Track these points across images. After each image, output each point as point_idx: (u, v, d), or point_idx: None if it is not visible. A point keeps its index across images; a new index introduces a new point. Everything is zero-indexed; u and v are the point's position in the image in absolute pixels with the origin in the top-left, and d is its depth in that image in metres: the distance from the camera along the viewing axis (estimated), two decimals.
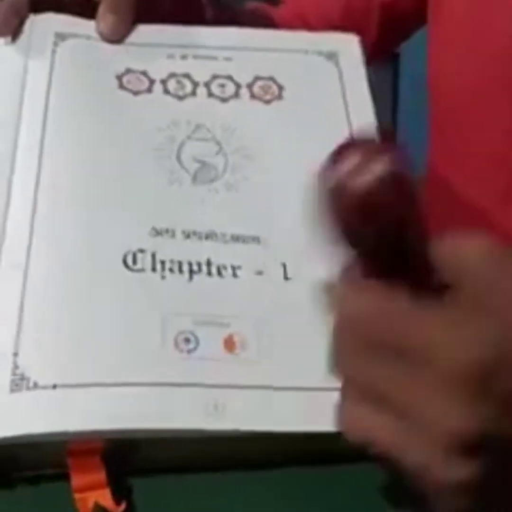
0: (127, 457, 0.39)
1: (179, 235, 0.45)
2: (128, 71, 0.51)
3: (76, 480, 0.37)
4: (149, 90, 0.51)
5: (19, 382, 0.38)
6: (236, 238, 0.45)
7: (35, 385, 0.38)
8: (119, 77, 0.51)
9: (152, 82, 0.51)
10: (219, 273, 0.43)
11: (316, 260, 0.43)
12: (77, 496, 0.37)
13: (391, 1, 0.69)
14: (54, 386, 0.38)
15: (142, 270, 0.43)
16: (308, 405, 0.39)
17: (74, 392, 0.38)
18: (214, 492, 0.39)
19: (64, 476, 0.38)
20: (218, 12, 0.60)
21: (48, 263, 0.42)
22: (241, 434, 0.38)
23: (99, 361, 0.39)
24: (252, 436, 0.38)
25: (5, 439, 0.37)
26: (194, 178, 0.47)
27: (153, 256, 0.43)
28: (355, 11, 0.70)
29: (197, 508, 0.39)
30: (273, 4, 0.74)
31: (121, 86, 0.50)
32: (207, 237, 0.45)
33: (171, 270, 0.43)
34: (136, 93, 0.50)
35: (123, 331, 0.40)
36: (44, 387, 0.38)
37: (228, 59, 0.51)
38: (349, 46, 0.54)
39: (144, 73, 0.51)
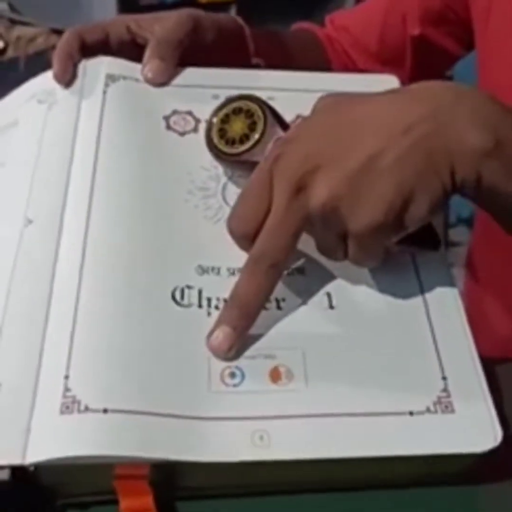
0: (175, 482, 0.41)
1: (224, 272, 0.47)
2: (175, 112, 0.54)
3: (124, 503, 0.39)
4: (195, 130, 0.54)
5: (70, 405, 0.40)
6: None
7: (86, 409, 0.40)
8: (166, 118, 0.54)
9: (197, 121, 0.54)
10: (264, 306, 0.45)
11: (359, 287, 0.47)
12: None
13: (420, 34, 0.72)
14: (105, 411, 0.40)
15: (189, 306, 0.45)
16: (355, 430, 0.41)
17: (124, 418, 0.40)
18: None
19: (113, 502, 0.40)
20: (264, 41, 0.63)
21: (100, 292, 0.45)
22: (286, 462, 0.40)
23: (149, 390, 0.41)
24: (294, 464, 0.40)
25: (53, 460, 0.38)
26: None
27: (200, 292, 0.46)
28: (390, 42, 0.74)
29: None
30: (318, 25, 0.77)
31: (168, 127, 0.53)
32: None
33: (216, 307, 0.45)
34: (182, 133, 0.53)
35: (171, 364, 0.43)
36: (95, 411, 0.40)
37: (270, 98, 0.53)
38: (388, 86, 0.55)
39: (189, 113, 0.54)
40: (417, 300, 0.47)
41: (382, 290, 0.47)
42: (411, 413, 0.42)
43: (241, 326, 0.44)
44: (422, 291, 0.47)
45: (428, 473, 0.42)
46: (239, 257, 0.46)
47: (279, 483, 0.42)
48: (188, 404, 0.41)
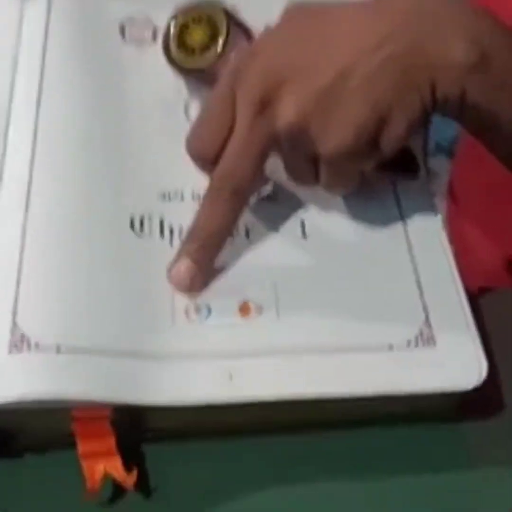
0: (140, 424, 0.38)
1: (188, 196, 0.43)
2: (130, 19, 0.50)
3: (83, 446, 0.36)
4: (154, 38, 0.49)
5: (19, 343, 0.36)
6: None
7: (37, 346, 0.36)
8: (121, 26, 0.49)
9: (155, 29, 0.50)
10: (230, 235, 0.42)
11: (335, 216, 0.44)
12: (84, 463, 0.36)
13: None
14: (58, 349, 0.36)
15: (150, 236, 0.42)
16: (329, 367, 0.38)
17: (79, 356, 0.37)
18: (229, 458, 0.39)
19: (73, 445, 0.37)
20: None
21: (48, 221, 0.41)
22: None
23: (106, 326, 0.38)
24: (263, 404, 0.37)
25: (4, 404, 0.35)
26: None
27: (161, 221, 0.42)
28: None
29: (213, 476, 0.38)
30: None
31: (123, 36, 0.49)
32: None
33: (180, 237, 0.42)
34: (139, 43, 0.49)
35: (130, 298, 0.39)
36: (47, 349, 0.36)
37: (234, 6, 0.48)
38: None
39: (147, 20, 0.50)
40: (397, 230, 0.44)
41: (360, 218, 0.44)
42: (390, 347, 0.39)
43: (203, 259, 0.41)
44: (402, 220, 0.44)
45: (410, 412, 0.40)
46: (206, 179, 0.42)
47: (248, 424, 0.39)
48: (150, 340, 0.38)
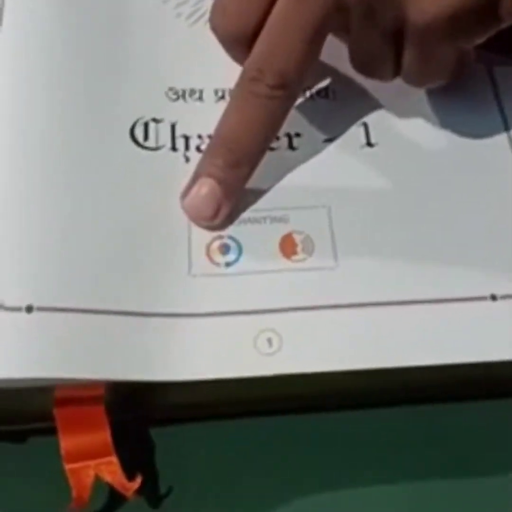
0: (142, 406, 0.28)
1: (209, 96, 0.32)
2: None
3: (66, 444, 0.26)
4: None
5: None
6: None
7: (1, 307, 0.26)
8: None
9: None
10: (268, 147, 0.31)
11: (410, 118, 0.32)
12: (69, 466, 0.26)
13: None
14: (29, 309, 0.26)
15: (157, 148, 0.30)
16: (408, 327, 0.27)
17: (58, 319, 0.26)
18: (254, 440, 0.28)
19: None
20: None
21: (18, 129, 0.30)
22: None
23: (94, 277, 0.27)
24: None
25: None
26: None
27: (173, 127, 0.31)
28: None
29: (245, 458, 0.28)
30: None
31: None
32: None
33: (198, 149, 0.31)
34: None
35: (129, 235, 0.28)
36: (14, 310, 0.26)
37: None
38: None
39: None
40: (499, 135, 0.32)
41: (447, 123, 0.32)
42: (493, 298, 0.28)
43: (232, 180, 0.29)
44: (505, 123, 0.32)
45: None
46: (231, 74, 0.31)
47: (291, 398, 0.28)
48: (158, 296, 0.27)
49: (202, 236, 0.29)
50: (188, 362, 0.26)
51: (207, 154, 0.30)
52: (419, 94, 0.33)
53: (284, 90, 0.29)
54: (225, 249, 0.28)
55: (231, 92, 0.30)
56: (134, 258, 0.28)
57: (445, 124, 0.32)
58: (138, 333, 0.26)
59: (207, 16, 0.32)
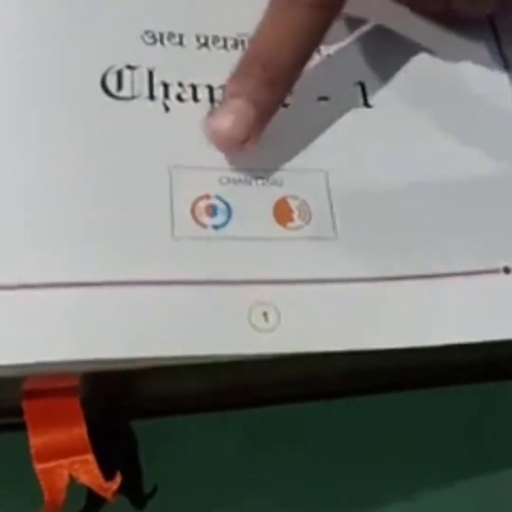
0: (122, 396, 0.25)
1: (191, 41, 0.28)
2: None
3: (37, 441, 0.23)
4: None
5: None
6: None
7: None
8: None
9: None
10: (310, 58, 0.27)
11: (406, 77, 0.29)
12: (39, 467, 0.22)
13: None
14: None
15: (132, 97, 0.26)
16: (417, 302, 0.24)
17: (33, 296, 0.22)
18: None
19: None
20: None
21: None
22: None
23: (73, 248, 0.23)
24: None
25: None
26: None
27: (151, 74, 0.27)
28: None
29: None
30: None
31: None
32: (237, 44, 0.28)
33: (179, 97, 0.27)
34: None
35: (107, 197, 0.24)
36: None
37: None
38: None
39: None
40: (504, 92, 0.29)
41: (448, 82, 0.29)
42: (506, 270, 0.25)
43: (267, 99, 0.25)
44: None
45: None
46: (212, 19, 0.28)
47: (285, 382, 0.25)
48: (138, 263, 0.23)
49: (186, 193, 0.25)
50: (173, 336, 0.22)
51: (238, 73, 0.26)
52: (415, 50, 0.29)
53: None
54: (212, 210, 0.25)
55: (268, 3, 0.26)
56: (111, 219, 0.24)
57: (446, 84, 0.29)
58: (121, 307, 0.22)
59: None
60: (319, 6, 0.25)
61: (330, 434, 0.25)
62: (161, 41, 0.28)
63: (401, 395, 0.26)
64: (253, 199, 0.25)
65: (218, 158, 0.26)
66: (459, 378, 0.27)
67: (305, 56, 0.26)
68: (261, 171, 0.26)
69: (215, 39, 0.29)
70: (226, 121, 0.25)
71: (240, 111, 0.25)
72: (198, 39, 0.28)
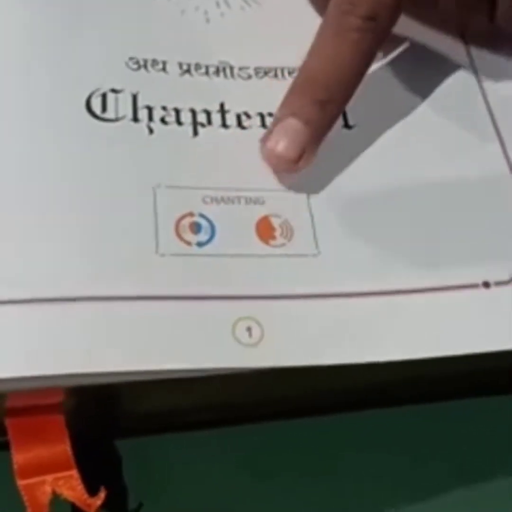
0: (107, 411, 0.24)
1: (173, 68, 0.29)
2: None
3: (20, 457, 0.22)
4: None
5: None
6: (264, 72, 0.29)
7: None
8: None
9: None
10: (240, 124, 0.28)
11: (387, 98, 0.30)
12: (22, 483, 0.22)
13: None
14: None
15: (116, 119, 0.27)
16: (396, 319, 0.24)
17: (11, 311, 0.22)
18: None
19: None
20: None
21: None
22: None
23: (58, 264, 0.23)
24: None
25: None
26: None
27: (134, 98, 0.28)
28: None
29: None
30: None
31: None
32: (218, 71, 0.29)
33: (163, 120, 0.27)
34: None
35: (92, 216, 0.25)
36: None
37: None
38: None
39: None
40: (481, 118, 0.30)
41: (426, 101, 0.30)
42: (486, 285, 0.25)
43: (320, 119, 0.26)
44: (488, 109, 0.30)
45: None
46: (195, 47, 0.29)
47: (272, 400, 0.25)
48: (122, 277, 0.23)
49: (169, 211, 0.25)
50: (157, 351, 0.22)
51: (292, 94, 0.27)
52: (394, 73, 0.30)
53: (377, 21, 0.26)
54: (196, 228, 0.25)
55: (318, 28, 0.27)
56: (95, 236, 0.24)
57: (424, 103, 0.30)
58: (103, 322, 0.23)
59: None
60: (366, 30, 0.26)
61: (333, 449, 0.25)
62: (145, 67, 0.29)
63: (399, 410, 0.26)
64: (236, 217, 0.25)
65: (202, 178, 0.26)
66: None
67: (357, 76, 0.27)
68: (243, 190, 0.26)
69: (197, 66, 0.29)
70: (280, 142, 0.26)
71: (294, 132, 0.26)
72: (180, 66, 0.29)
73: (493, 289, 0.25)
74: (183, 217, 0.25)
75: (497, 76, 0.31)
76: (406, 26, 0.31)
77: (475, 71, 0.31)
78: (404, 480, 0.25)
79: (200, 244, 0.25)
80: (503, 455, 0.25)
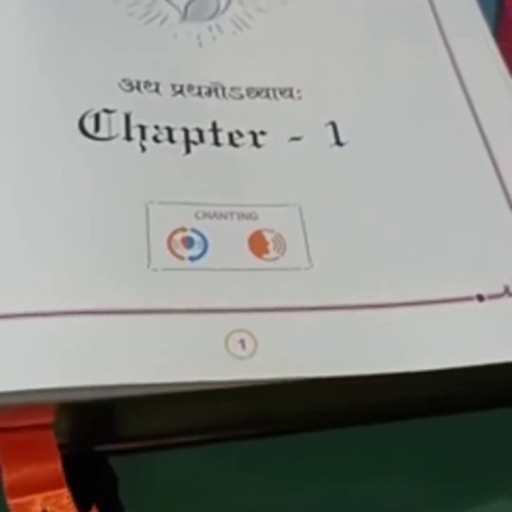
0: (100, 429, 0.24)
1: (166, 90, 0.29)
2: None
3: (10, 476, 0.22)
4: None
5: None
6: (256, 92, 0.30)
7: None
8: None
9: None
10: (232, 142, 0.28)
11: (378, 114, 0.30)
12: (12, 502, 0.22)
13: None
14: None
15: (109, 138, 0.27)
16: (391, 332, 0.24)
17: (7, 325, 0.22)
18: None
19: None
20: None
21: None
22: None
23: (51, 279, 0.23)
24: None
25: None
26: (185, 14, 0.32)
27: (127, 118, 0.28)
28: None
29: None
30: None
31: None
32: (210, 92, 0.29)
33: (155, 138, 0.27)
34: None
35: (86, 232, 0.25)
36: None
37: None
38: None
39: None
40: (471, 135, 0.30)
41: (417, 121, 0.30)
42: (480, 298, 0.25)
43: None
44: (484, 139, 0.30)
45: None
46: (187, 69, 0.29)
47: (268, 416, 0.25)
48: (115, 291, 0.23)
49: (162, 226, 0.25)
50: (150, 364, 0.22)
51: None
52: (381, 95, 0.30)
53: None
54: (189, 242, 0.25)
55: None
56: (88, 252, 0.24)
57: (415, 122, 0.30)
58: (95, 335, 0.22)
59: (160, 17, 0.31)
60: None
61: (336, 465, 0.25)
62: (138, 88, 0.29)
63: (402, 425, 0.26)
64: (229, 232, 0.25)
65: (194, 194, 0.26)
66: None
67: None
68: (236, 206, 0.26)
69: (190, 87, 0.29)
70: None
71: None
72: (173, 87, 0.29)
73: (487, 302, 0.25)
74: (175, 232, 0.25)
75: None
76: None
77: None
78: (405, 484, 0.24)
79: (192, 259, 0.24)
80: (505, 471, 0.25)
